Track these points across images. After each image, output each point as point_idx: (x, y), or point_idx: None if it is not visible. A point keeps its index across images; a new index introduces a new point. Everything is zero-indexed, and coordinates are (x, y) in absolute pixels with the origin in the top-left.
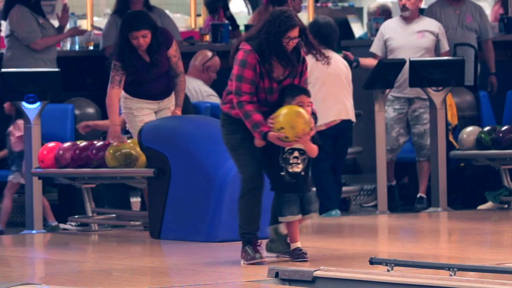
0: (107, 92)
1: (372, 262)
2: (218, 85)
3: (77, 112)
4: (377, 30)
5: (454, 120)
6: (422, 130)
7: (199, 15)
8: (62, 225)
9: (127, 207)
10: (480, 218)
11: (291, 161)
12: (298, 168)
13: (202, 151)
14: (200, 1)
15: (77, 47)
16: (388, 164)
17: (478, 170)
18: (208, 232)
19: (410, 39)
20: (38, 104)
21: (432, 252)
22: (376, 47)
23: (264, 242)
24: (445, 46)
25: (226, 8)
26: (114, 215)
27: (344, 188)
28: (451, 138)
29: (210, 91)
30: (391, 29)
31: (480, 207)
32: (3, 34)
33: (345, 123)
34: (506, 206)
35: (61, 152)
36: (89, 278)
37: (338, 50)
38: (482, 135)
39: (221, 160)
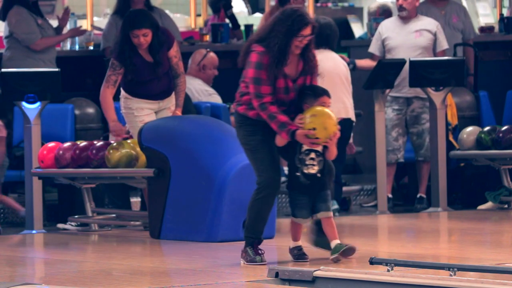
0: (101, 91)
1: (372, 262)
2: (218, 85)
3: (77, 112)
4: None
5: (454, 120)
6: (421, 130)
7: (199, 15)
8: (62, 225)
9: (127, 207)
10: (480, 218)
11: (307, 162)
12: (313, 170)
13: (202, 151)
14: (200, 1)
15: (77, 47)
16: (393, 166)
17: (478, 170)
18: (208, 232)
19: (407, 38)
20: (38, 104)
21: (432, 252)
22: (374, 47)
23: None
24: (442, 45)
25: (228, 7)
26: (114, 215)
27: (344, 188)
28: (451, 138)
29: (211, 90)
30: (388, 28)
31: (480, 207)
32: (1, 34)
33: (345, 122)
34: (506, 206)
35: (61, 152)
36: (89, 278)
37: (338, 51)
38: (482, 135)
39: (221, 160)
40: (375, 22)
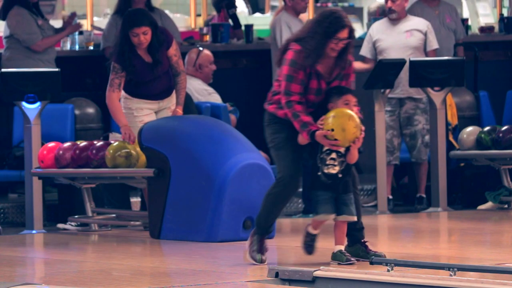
0: (107, 96)
1: (372, 262)
2: (218, 85)
3: (77, 112)
4: None
5: (454, 120)
6: (413, 131)
7: (199, 15)
8: (62, 225)
9: (127, 207)
10: (480, 218)
11: (327, 162)
12: (334, 170)
13: (202, 151)
14: (200, 1)
15: (77, 47)
16: (390, 167)
17: (478, 170)
18: (208, 232)
19: (398, 39)
20: (38, 104)
21: (432, 252)
22: (365, 50)
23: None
24: (432, 44)
25: (230, 6)
26: (114, 215)
27: None
28: (451, 138)
29: (211, 89)
30: (379, 30)
31: (480, 207)
32: (1, 34)
33: None
34: (506, 206)
35: (61, 152)
36: (89, 278)
37: None
38: (482, 135)
39: (221, 160)
40: (375, 22)
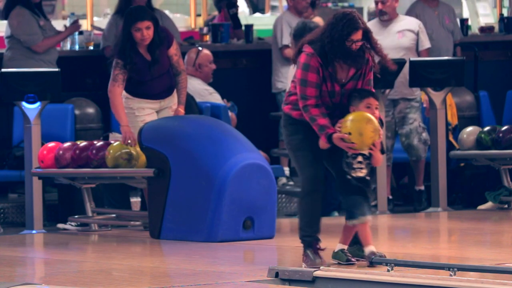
0: (111, 90)
1: (372, 262)
2: (218, 85)
3: (77, 112)
4: None
5: (454, 120)
6: (408, 130)
7: (199, 15)
8: (62, 225)
9: (127, 207)
10: (480, 218)
11: (354, 166)
12: (362, 173)
13: (202, 151)
14: (200, 1)
15: (77, 47)
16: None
17: (478, 170)
18: (208, 232)
19: (391, 40)
20: (38, 104)
21: (432, 252)
22: None
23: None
24: (424, 44)
25: (231, 6)
26: (114, 215)
27: None
28: (451, 138)
29: (211, 89)
30: None
31: (480, 207)
32: (3, 34)
33: None
34: (506, 206)
35: (61, 152)
36: (89, 278)
37: None
38: (482, 135)
39: (221, 160)
40: (367, 23)
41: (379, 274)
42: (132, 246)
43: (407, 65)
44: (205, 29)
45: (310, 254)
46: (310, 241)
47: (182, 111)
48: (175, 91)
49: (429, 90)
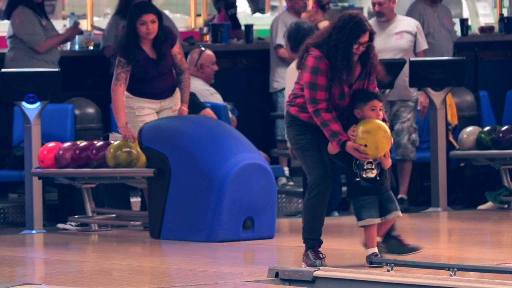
0: (113, 89)
1: (372, 262)
2: (218, 85)
3: (77, 112)
4: None
5: (454, 120)
6: (400, 128)
7: (199, 15)
8: (62, 225)
9: (127, 207)
10: (480, 218)
11: (365, 167)
12: (372, 174)
13: (202, 151)
14: (200, 1)
15: (77, 47)
16: None
17: (478, 170)
18: (208, 232)
19: (389, 41)
20: (38, 104)
21: (432, 252)
22: None
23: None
24: (421, 45)
25: (229, 6)
26: (114, 215)
27: (344, 188)
28: (451, 138)
29: (212, 89)
30: None
31: (480, 207)
32: (5, 34)
33: None
34: (506, 206)
35: (61, 152)
36: (89, 278)
37: None
38: (482, 135)
39: (221, 160)
40: None
41: (379, 274)
42: (132, 246)
43: (406, 67)
44: (205, 29)
45: (311, 255)
46: (312, 243)
47: (185, 109)
48: (176, 92)
49: (429, 90)
